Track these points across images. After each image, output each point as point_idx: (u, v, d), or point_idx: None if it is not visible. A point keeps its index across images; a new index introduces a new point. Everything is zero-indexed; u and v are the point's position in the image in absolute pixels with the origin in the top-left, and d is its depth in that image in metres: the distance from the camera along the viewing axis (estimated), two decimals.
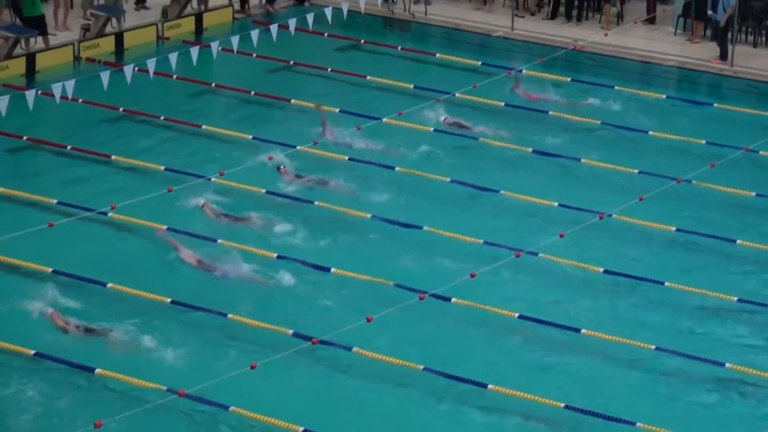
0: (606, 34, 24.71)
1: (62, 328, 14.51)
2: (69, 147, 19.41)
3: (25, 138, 19.63)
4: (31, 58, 22.56)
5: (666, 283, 16.03)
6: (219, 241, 16.65)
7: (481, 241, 16.96)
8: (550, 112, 21.59)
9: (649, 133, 20.84)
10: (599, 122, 21.27)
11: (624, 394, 14.10)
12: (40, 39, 22.99)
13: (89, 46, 23.34)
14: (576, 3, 26.11)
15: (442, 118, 21.00)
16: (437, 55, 24.26)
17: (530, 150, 20.09)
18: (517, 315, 15.28)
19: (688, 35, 25.22)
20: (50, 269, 15.74)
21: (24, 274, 15.75)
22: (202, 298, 15.38)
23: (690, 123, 21.42)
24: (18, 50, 22.57)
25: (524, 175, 19.40)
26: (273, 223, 17.44)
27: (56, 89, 19.27)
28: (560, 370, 14.52)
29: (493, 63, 23.73)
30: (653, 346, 14.67)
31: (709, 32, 24.77)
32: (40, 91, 19.68)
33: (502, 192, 18.56)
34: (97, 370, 13.77)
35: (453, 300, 15.43)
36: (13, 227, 16.25)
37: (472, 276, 15.75)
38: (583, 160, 19.71)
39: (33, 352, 14.07)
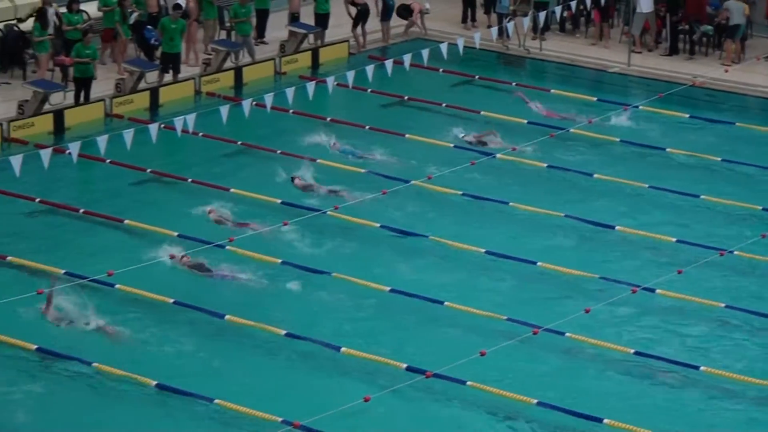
0: (726, 71, 24.37)
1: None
2: (190, 180, 19.78)
3: (148, 171, 20.07)
4: (154, 92, 23.10)
5: None
6: (333, 274, 16.78)
7: (597, 276, 16.82)
8: (668, 149, 21.36)
9: None
10: (719, 159, 20.96)
11: None
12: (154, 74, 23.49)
13: (209, 80, 23.82)
14: (695, 39, 25.81)
15: (461, 135, 21.27)
16: (552, 90, 24.19)
17: (647, 186, 19.87)
18: (632, 351, 15.09)
19: None
20: (171, 300, 16.02)
21: (146, 306, 16.05)
22: (316, 331, 15.48)
23: None
24: (142, 84, 23.14)
25: (642, 211, 19.20)
26: (386, 257, 17.52)
27: (178, 123, 19.68)
28: (679, 406, 14.28)
29: (609, 99, 23.57)
30: None
31: None
32: (162, 125, 20.13)
33: (618, 228, 18.39)
34: (216, 401, 13.95)
35: (567, 334, 15.32)
36: (136, 259, 16.61)
37: (587, 311, 15.62)
38: (702, 197, 19.44)
39: (155, 383, 14.30)
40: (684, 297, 16.31)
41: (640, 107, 22.85)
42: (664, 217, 18.94)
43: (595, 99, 23.66)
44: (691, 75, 24.57)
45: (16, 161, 17.97)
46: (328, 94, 22.22)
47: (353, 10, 25.92)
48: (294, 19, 26.06)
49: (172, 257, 16.71)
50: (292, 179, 19.65)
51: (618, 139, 21.76)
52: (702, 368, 14.76)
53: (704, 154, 21.15)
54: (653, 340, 15.57)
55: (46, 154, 18.34)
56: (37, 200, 18.79)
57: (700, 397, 14.47)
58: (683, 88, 23.60)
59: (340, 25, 26.21)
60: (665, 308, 16.29)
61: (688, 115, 22.92)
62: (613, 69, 25.51)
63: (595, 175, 20.29)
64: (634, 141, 21.70)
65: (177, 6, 23.94)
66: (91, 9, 24.39)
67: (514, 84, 24.33)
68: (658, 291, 16.34)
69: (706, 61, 25.50)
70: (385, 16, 26.41)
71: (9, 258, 16.97)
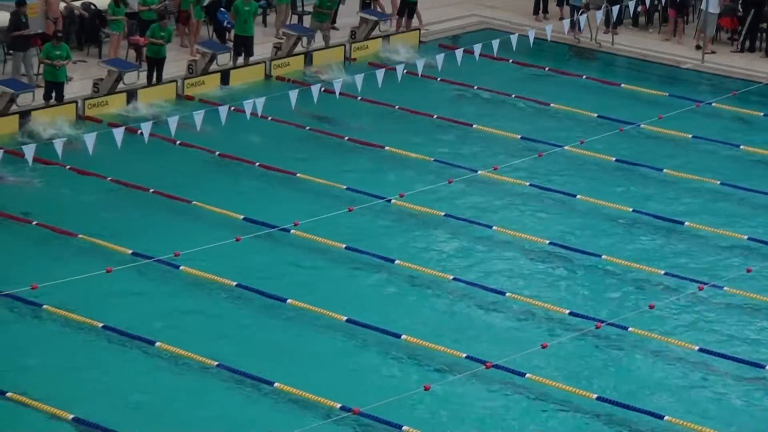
0: None
1: None
2: (257, 164, 19.90)
3: (217, 153, 20.22)
4: (225, 75, 23.26)
5: None
6: (396, 261, 16.80)
7: (662, 272, 16.70)
8: (742, 146, 21.12)
9: None
10: None
11: None
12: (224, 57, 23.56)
13: (280, 64, 23.92)
14: None
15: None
16: (622, 85, 24.01)
17: (718, 183, 19.68)
18: (697, 348, 14.98)
19: None
20: (234, 283, 16.15)
21: (210, 287, 16.21)
22: (383, 319, 15.50)
23: None
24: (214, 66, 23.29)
25: (711, 207, 19.03)
26: (449, 246, 17.54)
27: (247, 106, 19.80)
28: (743, 405, 14.17)
29: (681, 95, 23.35)
30: None
31: None
32: (232, 107, 20.27)
33: (687, 224, 18.24)
34: (276, 384, 14.06)
35: (630, 329, 15.24)
36: (203, 241, 16.77)
37: (651, 307, 15.53)
38: None
39: (216, 363, 14.42)
40: (752, 295, 16.13)
41: (713, 104, 22.61)
42: (735, 213, 18.74)
43: (666, 95, 23.44)
44: (767, 73, 24.22)
45: (90, 139, 18.21)
46: (397, 82, 22.23)
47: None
48: (365, 5, 26.08)
49: None
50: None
51: (690, 136, 21.55)
52: None
53: None
54: (718, 338, 15.43)
55: (119, 133, 18.57)
56: (109, 179, 19.04)
57: (765, 397, 14.31)
58: (760, 86, 23.29)
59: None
60: (732, 306, 16.13)
61: (762, 113, 22.64)
62: (686, 65, 25.25)
63: (665, 170, 20.13)
64: (706, 137, 21.47)
65: None
66: None
67: (584, 77, 24.15)
68: (725, 288, 16.19)
69: None
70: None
71: (80, 236, 17.23)
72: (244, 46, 23.57)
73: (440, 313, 15.94)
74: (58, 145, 17.89)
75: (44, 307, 15.35)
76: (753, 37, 25.61)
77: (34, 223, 17.50)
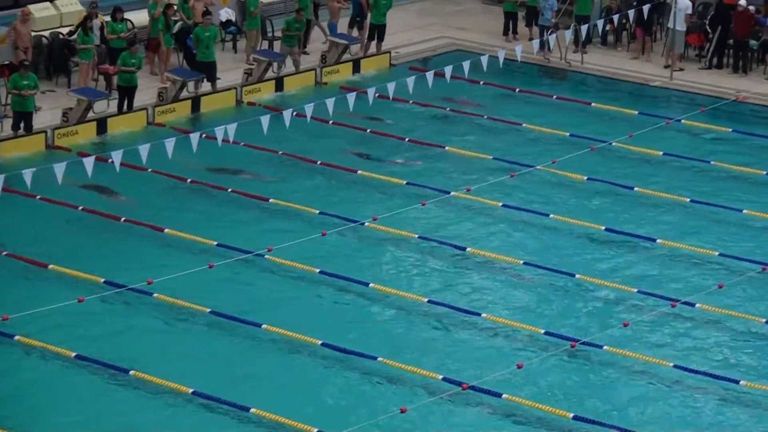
0: None
1: None
2: (230, 190, 19.87)
3: (189, 180, 20.18)
4: (196, 102, 23.24)
5: None
6: (371, 285, 16.80)
7: (635, 290, 16.75)
8: (712, 162, 21.24)
9: None
10: (764, 173, 20.82)
11: None
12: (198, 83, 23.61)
13: (251, 90, 23.92)
14: (741, 54, 25.60)
15: None
16: (592, 103, 24.13)
17: (688, 200, 19.78)
18: (672, 365, 15.01)
19: None
20: (208, 310, 16.09)
21: (183, 315, 16.14)
22: (359, 342, 15.47)
23: None
24: (184, 93, 23.27)
25: (681, 223, 19.10)
26: (423, 268, 17.54)
27: (218, 132, 19.80)
28: (719, 421, 14.21)
29: (650, 113, 23.48)
30: None
31: None
32: (203, 135, 20.25)
33: (658, 241, 18.31)
34: (252, 410, 14.00)
35: (604, 348, 15.26)
36: (176, 268, 16.71)
37: (625, 325, 15.56)
38: (745, 211, 19.33)
39: (191, 390, 14.37)
40: (724, 311, 16.20)
41: (682, 121, 22.73)
42: (706, 231, 18.83)
43: (636, 113, 23.58)
44: (735, 90, 24.41)
45: (60, 169, 18.14)
46: (368, 105, 22.27)
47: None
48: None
49: None
50: None
51: (660, 153, 21.66)
52: (742, 383, 14.66)
53: (747, 168, 21.03)
54: (692, 354, 15.47)
55: (89, 163, 18.51)
56: (80, 208, 18.95)
57: (740, 412, 14.35)
58: (726, 102, 23.45)
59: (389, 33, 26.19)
60: (704, 322, 16.19)
61: (731, 129, 22.80)
62: (655, 83, 25.41)
63: (636, 188, 20.21)
64: (676, 154, 21.58)
65: (207, 12, 23.97)
66: (136, 18, 24.60)
67: (554, 97, 24.27)
68: (698, 305, 16.24)
69: (750, 76, 25.32)
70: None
71: (51, 266, 17.13)
72: (207, 71, 23.50)
73: (416, 335, 15.92)
74: (27, 175, 17.82)
75: (16, 338, 15.25)
76: (720, 54, 25.80)
77: (4, 253, 17.40)
